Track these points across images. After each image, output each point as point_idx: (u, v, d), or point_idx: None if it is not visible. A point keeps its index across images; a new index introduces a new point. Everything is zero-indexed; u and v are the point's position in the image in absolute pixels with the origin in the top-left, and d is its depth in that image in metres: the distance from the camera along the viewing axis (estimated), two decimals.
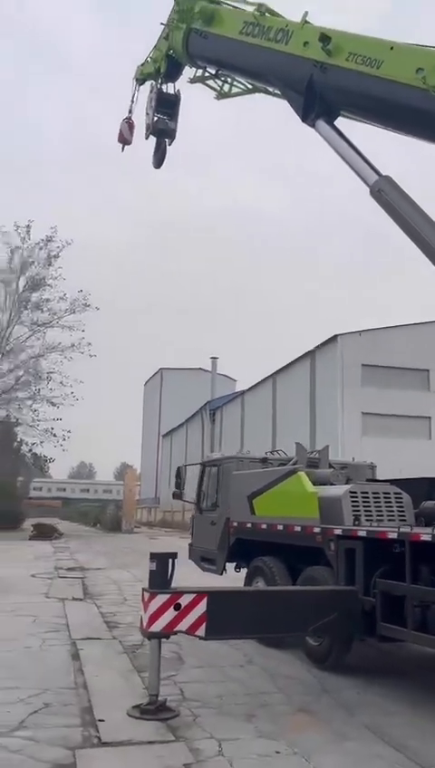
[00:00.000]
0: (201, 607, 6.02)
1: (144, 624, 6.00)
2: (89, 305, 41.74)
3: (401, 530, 6.45)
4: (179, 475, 11.32)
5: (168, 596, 5.96)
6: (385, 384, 32.79)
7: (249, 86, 9.99)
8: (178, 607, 5.96)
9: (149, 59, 11.54)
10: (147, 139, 11.54)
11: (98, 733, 5.31)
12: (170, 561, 6.18)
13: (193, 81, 10.74)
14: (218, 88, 10.41)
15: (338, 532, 7.25)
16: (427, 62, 6.60)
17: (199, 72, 10.59)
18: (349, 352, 32.91)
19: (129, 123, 11.88)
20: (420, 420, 33.80)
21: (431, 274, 6.61)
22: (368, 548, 6.77)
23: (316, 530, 7.60)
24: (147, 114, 11.37)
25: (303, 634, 7.08)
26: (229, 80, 10.26)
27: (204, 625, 6.01)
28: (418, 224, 6.97)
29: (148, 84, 11.70)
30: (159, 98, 11.18)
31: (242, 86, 10.13)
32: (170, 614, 5.94)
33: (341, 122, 8.25)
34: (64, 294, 42.11)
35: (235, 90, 10.26)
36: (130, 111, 11.89)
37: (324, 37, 7.53)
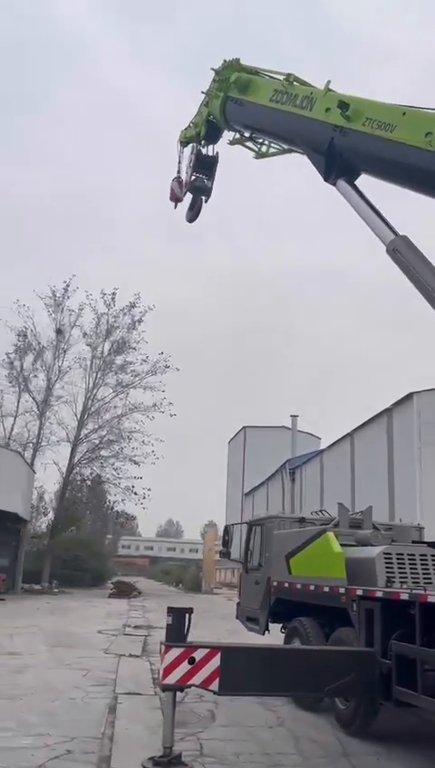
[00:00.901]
0: (215, 662, 6.25)
1: (159, 676, 6.30)
2: (169, 366, 43.27)
3: (412, 591, 6.48)
4: (227, 533, 11.59)
5: (182, 650, 6.25)
6: None
7: (284, 147, 10.54)
8: (192, 661, 6.23)
9: (191, 124, 12.35)
10: (183, 195, 12.32)
11: None
12: (187, 615, 6.50)
13: (232, 143, 11.44)
14: (257, 149, 11.05)
15: (359, 592, 7.32)
16: None
17: (238, 134, 11.31)
18: (427, 410, 32.13)
19: (178, 182, 12.56)
20: None
21: None
22: (385, 609, 6.81)
23: (341, 590, 7.69)
24: (186, 173, 12.18)
25: (320, 695, 7.12)
26: (266, 141, 10.90)
27: (217, 680, 6.23)
28: (432, 285, 7.13)
29: (190, 145, 12.48)
30: (198, 159, 11.96)
31: (278, 147, 10.72)
32: (184, 667, 6.20)
33: (365, 180, 8.62)
34: (147, 357, 43.93)
35: (272, 150, 10.85)
36: (179, 171, 12.60)
37: (343, 104, 8.10)
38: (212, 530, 60.03)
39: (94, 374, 45.13)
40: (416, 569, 7.98)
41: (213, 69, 11.13)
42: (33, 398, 45.03)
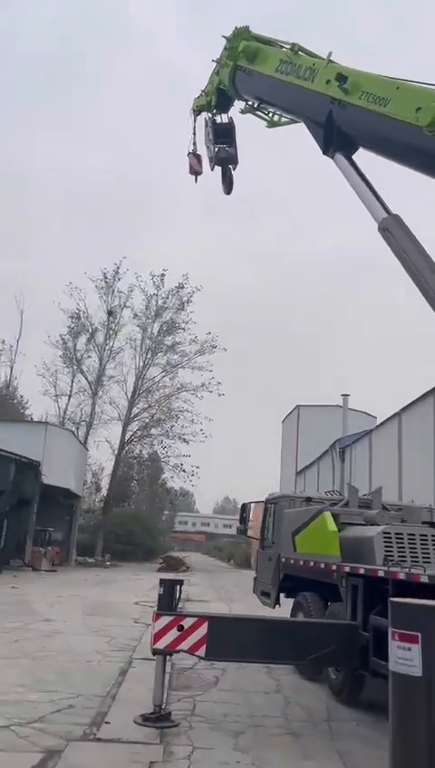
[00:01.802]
0: (202, 630, 6.73)
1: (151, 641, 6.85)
2: (216, 346, 43.79)
3: (389, 569, 6.78)
4: (244, 510, 12.04)
5: (171, 618, 6.77)
6: None
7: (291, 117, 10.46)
8: (181, 628, 6.74)
9: (202, 92, 12.25)
10: (212, 170, 12.18)
11: (98, 731, 6.22)
12: (177, 587, 7.03)
13: (244, 111, 11.32)
14: (268, 118, 10.93)
15: (347, 569, 7.66)
16: (426, 102, 6.80)
17: (247, 104, 11.21)
18: None
19: (195, 155, 12.50)
20: None
21: None
22: (367, 585, 7.14)
23: (333, 567, 8.05)
24: (208, 148, 12.06)
25: (301, 663, 7.52)
26: (275, 111, 10.79)
27: (204, 646, 6.73)
28: (419, 267, 6.90)
29: (203, 119, 12.32)
30: (215, 129, 11.86)
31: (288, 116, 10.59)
32: (174, 634, 6.72)
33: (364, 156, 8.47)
34: (195, 337, 44.57)
35: (283, 119, 10.71)
36: (194, 144, 12.53)
37: (342, 76, 8.03)
38: (258, 507, 60.75)
39: (144, 354, 46.20)
40: (415, 548, 8.21)
41: (224, 36, 10.98)
42: (86, 378, 46.54)
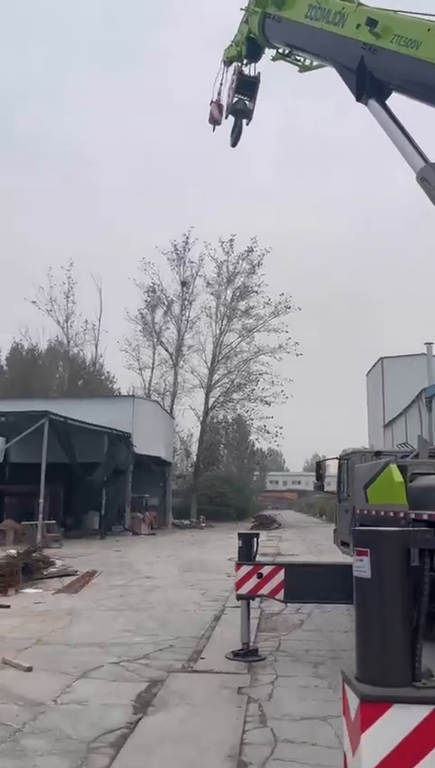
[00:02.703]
0: (280, 576, 7.52)
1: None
2: (289, 307, 43.97)
3: None
4: (320, 467, 12.69)
5: (251, 567, 7.60)
6: None
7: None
8: (260, 576, 7.56)
9: (232, 43, 12.11)
10: (226, 118, 12.14)
11: (194, 665, 7.18)
12: (254, 539, 7.84)
13: (275, 59, 11.17)
14: (300, 63, 10.74)
15: (412, 516, 8.19)
16: None
17: (278, 51, 11.03)
18: None
19: (218, 105, 12.34)
20: None
21: None
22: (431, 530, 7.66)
23: (401, 515, 8.59)
24: (227, 95, 11.98)
25: None
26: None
27: (282, 591, 7.53)
28: None
29: (232, 70, 12.14)
30: (240, 80, 11.71)
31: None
32: (254, 581, 7.56)
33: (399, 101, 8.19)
34: (269, 299, 44.91)
35: (315, 63, 10.44)
36: (219, 93, 12.34)
37: (372, 20, 7.79)
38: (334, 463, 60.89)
39: (220, 321, 47.00)
40: None
41: None
42: (166, 350, 47.96)
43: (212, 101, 12.42)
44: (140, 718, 5.43)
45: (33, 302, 49.97)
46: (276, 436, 45.67)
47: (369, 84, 8.01)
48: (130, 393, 47.18)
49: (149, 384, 49.11)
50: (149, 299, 47.94)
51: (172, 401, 47.35)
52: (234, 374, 46.67)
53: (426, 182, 7.12)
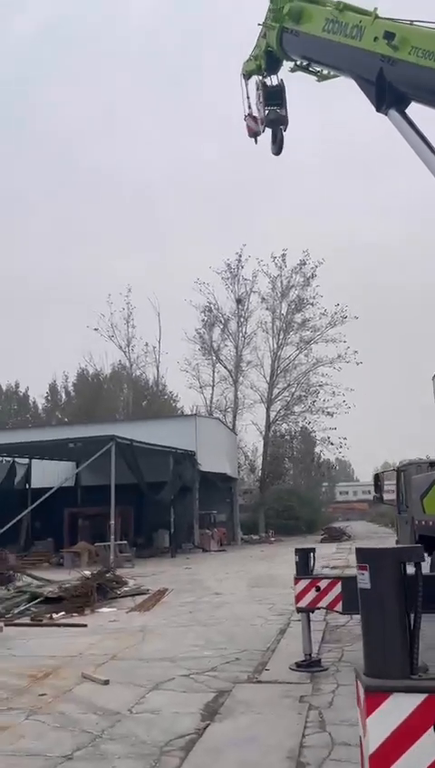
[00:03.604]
0: (337, 589, 7.85)
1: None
2: (346, 317, 43.91)
3: None
4: (378, 479, 12.87)
5: (309, 581, 7.95)
6: None
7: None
8: (318, 589, 7.90)
9: (251, 57, 12.32)
10: (263, 131, 12.26)
11: (259, 676, 7.57)
12: (311, 554, 8.18)
13: (293, 70, 11.40)
14: (318, 73, 10.90)
15: None
16: None
17: (296, 63, 11.23)
18: None
19: (252, 117, 12.48)
20: None
21: None
22: None
23: None
24: (258, 110, 12.17)
25: (431, 612, 8.33)
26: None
27: (340, 603, 7.84)
28: None
29: (254, 82, 12.40)
30: (265, 92, 11.87)
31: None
32: (312, 594, 7.90)
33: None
34: (325, 310, 45.00)
35: (332, 73, 10.62)
36: (249, 107, 12.53)
37: (389, 33, 7.94)
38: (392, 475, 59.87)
39: (277, 335, 47.32)
40: None
41: None
42: (225, 367, 48.56)
43: (246, 116, 12.64)
44: (208, 725, 5.87)
45: (96, 329, 51.61)
46: (341, 447, 45.48)
47: (389, 94, 8.18)
48: (193, 412, 48.07)
49: (211, 402, 49.89)
50: (205, 318, 48.88)
51: (234, 417, 47.92)
52: (293, 387, 46.91)
53: None
